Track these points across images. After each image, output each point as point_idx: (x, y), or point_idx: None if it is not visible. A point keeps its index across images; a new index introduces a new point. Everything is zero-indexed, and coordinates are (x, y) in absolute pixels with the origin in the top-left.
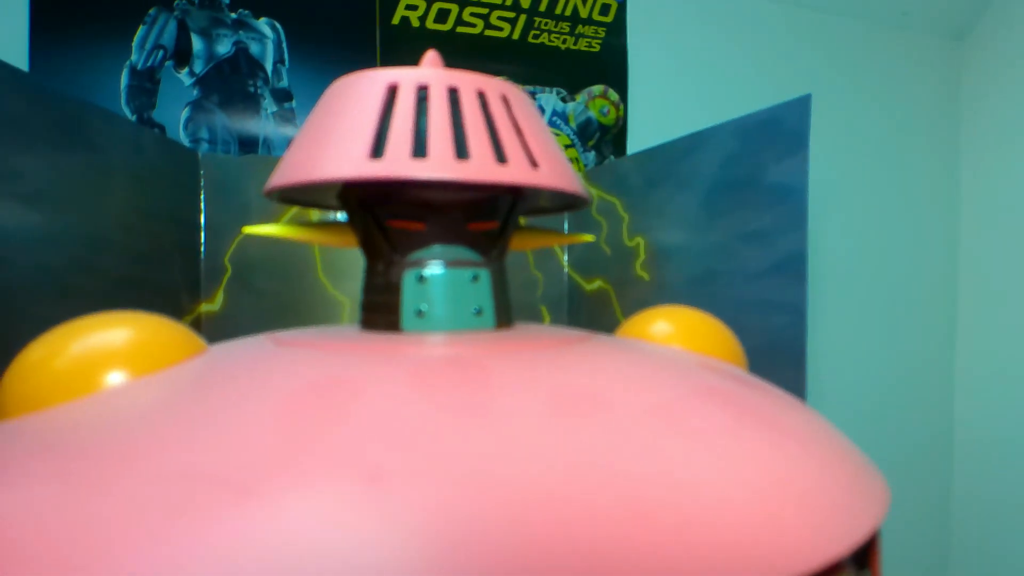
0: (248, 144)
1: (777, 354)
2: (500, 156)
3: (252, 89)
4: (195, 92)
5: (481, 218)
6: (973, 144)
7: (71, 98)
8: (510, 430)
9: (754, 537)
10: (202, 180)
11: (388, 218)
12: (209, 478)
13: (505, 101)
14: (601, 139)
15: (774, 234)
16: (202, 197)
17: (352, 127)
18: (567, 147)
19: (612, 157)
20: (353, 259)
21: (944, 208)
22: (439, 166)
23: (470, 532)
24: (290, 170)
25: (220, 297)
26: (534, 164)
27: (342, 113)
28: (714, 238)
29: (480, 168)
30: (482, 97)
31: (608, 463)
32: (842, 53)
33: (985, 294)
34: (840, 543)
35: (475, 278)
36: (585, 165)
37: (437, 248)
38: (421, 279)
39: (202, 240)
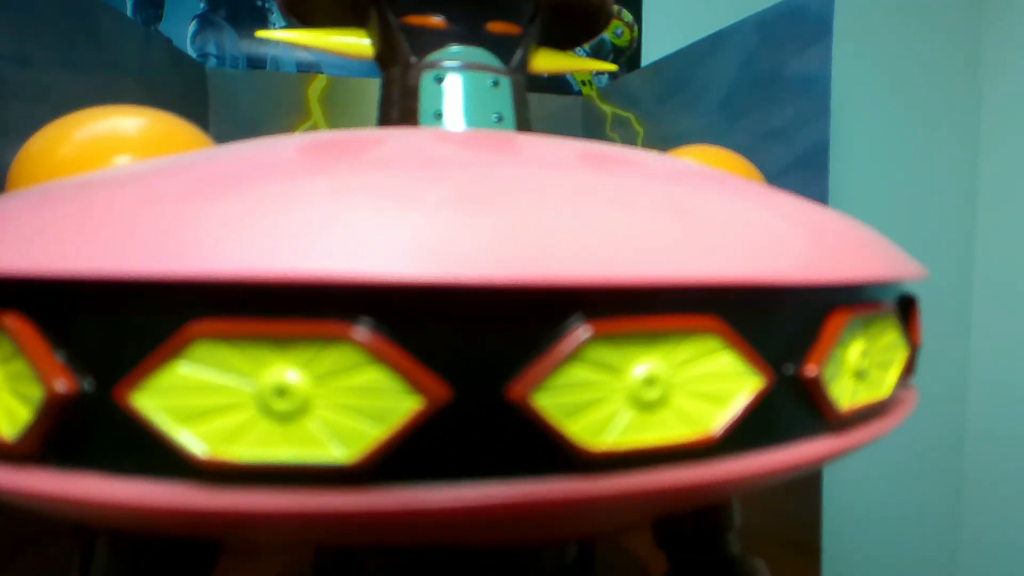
0: (256, 62)
1: None
2: None
3: (260, 3)
4: (202, 5)
5: (501, 18)
6: (996, 39)
7: None
8: (541, 167)
9: (810, 248)
10: (209, 96)
11: (404, 13)
12: (234, 172)
13: None
14: (616, 61)
15: (796, 128)
16: (209, 114)
17: None
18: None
19: None
20: None
21: (965, 105)
22: None
23: (510, 206)
24: None
25: None
26: None
27: None
28: (735, 140)
29: None
30: None
31: (654, 187)
32: None
33: (1006, 190)
34: (885, 270)
35: (495, 83)
36: (598, 86)
37: (456, 49)
38: (439, 80)
39: None
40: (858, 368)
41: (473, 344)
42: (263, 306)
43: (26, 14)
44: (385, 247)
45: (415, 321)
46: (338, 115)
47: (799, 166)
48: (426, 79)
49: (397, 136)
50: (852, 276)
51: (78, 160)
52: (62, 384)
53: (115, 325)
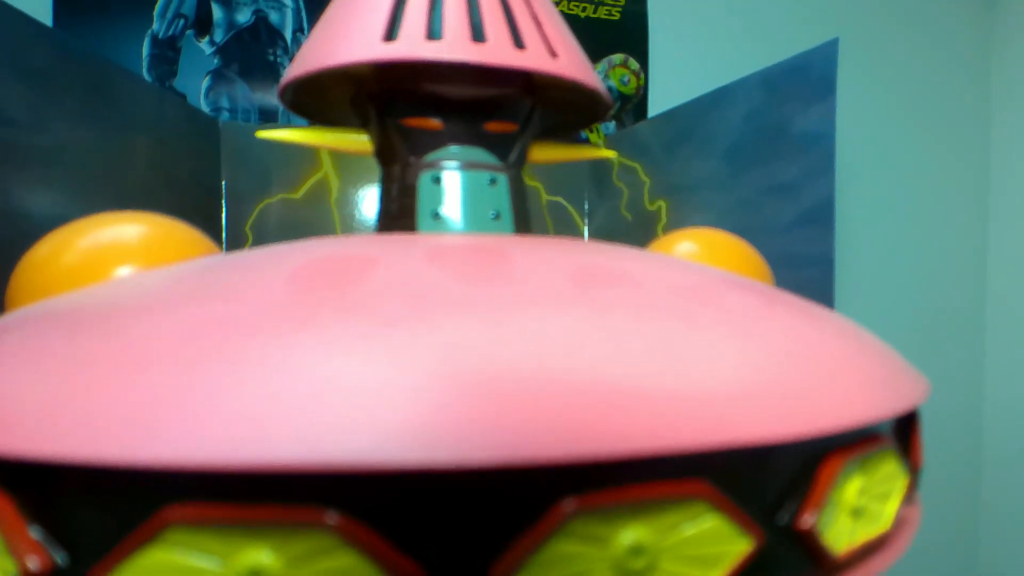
0: (268, 114)
1: None
2: (518, 42)
3: (272, 58)
4: (215, 61)
5: (499, 118)
6: (1004, 88)
7: (96, 56)
8: (534, 294)
9: (799, 396)
10: (222, 148)
11: (403, 116)
12: (219, 322)
13: None
14: (622, 109)
15: (801, 184)
16: (222, 165)
17: (364, 13)
18: None
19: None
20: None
21: (974, 155)
22: (454, 48)
23: (492, 379)
24: (302, 62)
25: None
26: (553, 54)
27: (354, 1)
28: (739, 194)
29: (497, 52)
30: None
31: (640, 327)
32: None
33: (1016, 244)
34: (881, 406)
35: (493, 181)
36: (605, 134)
37: (454, 149)
38: (437, 180)
39: (223, 208)
40: (855, 507)
41: (452, 526)
42: (236, 491)
43: (43, 81)
44: (357, 432)
45: (390, 505)
46: (347, 164)
47: (805, 221)
48: (424, 179)
49: (389, 259)
50: (848, 421)
51: (81, 270)
52: (34, 561)
53: (91, 506)
